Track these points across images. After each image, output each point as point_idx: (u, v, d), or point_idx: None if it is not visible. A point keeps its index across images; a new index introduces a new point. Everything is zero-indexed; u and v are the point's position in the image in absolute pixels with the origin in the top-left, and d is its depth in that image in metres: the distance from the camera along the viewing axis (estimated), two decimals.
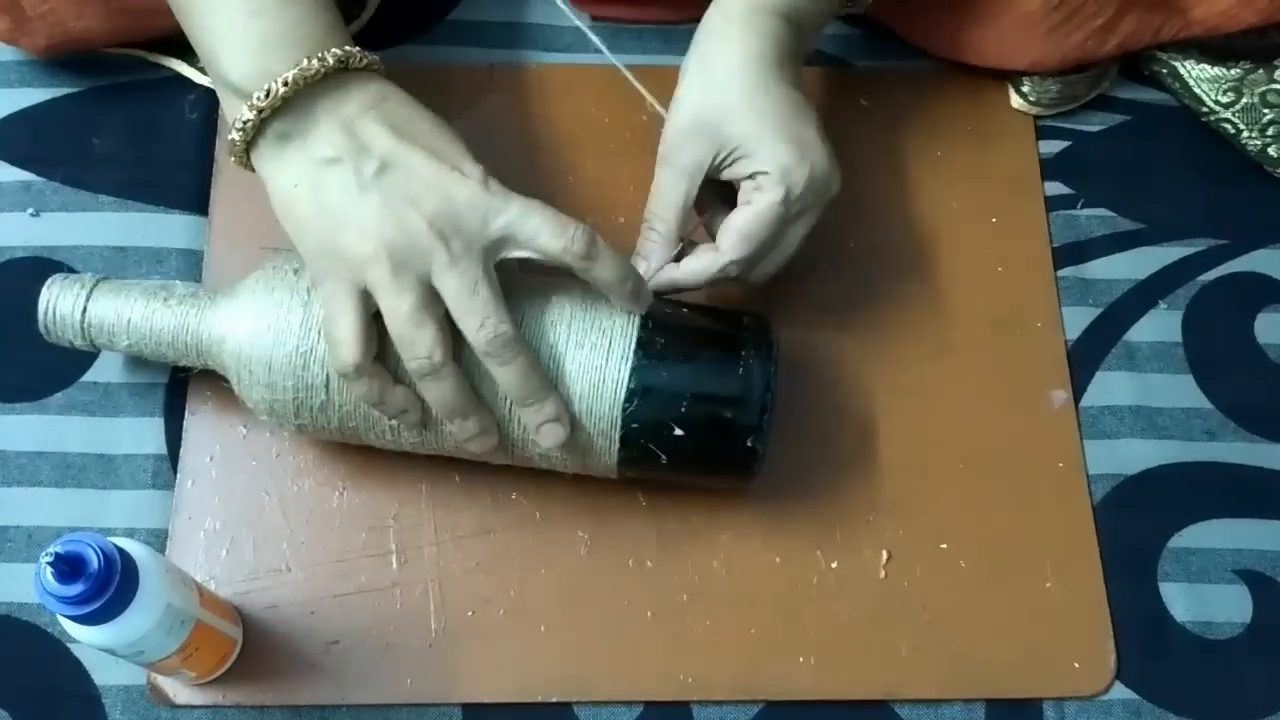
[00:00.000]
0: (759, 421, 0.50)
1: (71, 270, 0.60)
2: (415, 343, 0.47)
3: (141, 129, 0.64)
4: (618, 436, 0.50)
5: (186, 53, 0.65)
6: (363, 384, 0.48)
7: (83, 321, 0.53)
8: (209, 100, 0.65)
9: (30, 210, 0.62)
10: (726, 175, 0.54)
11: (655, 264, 0.54)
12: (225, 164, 0.63)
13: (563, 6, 0.59)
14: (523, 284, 0.51)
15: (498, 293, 0.47)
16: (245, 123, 0.47)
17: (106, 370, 0.59)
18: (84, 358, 0.59)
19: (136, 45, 0.65)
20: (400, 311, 0.46)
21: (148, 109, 0.64)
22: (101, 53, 0.64)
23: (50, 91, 0.65)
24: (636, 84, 0.57)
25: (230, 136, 0.48)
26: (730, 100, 0.52)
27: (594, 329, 0.50)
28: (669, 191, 0.53)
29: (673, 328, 0.51)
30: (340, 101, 0.48)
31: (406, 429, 0.51)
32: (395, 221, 0.46)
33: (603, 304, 0.51)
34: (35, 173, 0.63)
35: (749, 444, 0.50)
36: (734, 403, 0.50)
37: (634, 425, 0.50)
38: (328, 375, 0.50)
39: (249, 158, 0.49)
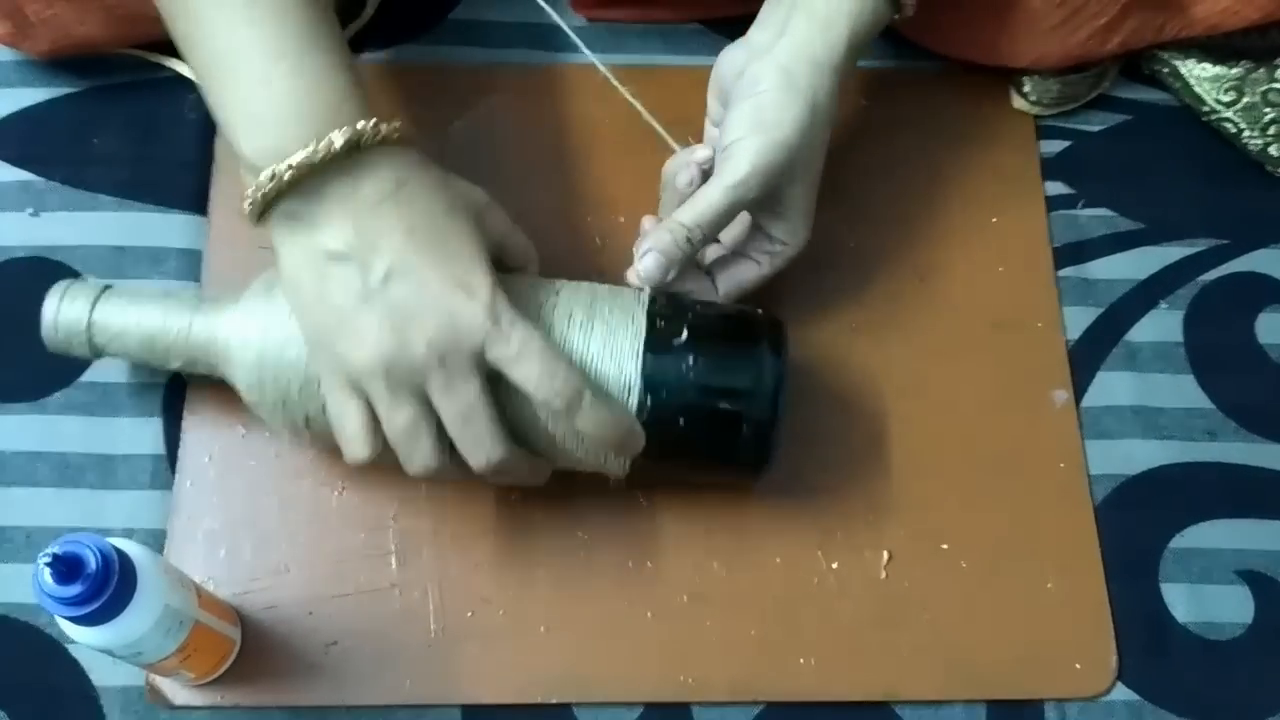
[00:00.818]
0: (771, 417, 0.50)
1: (71, 271, 0.60)
2: (413, 454, 0.47)
3: (141, 129, 0.64)
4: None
5: None
6: (372, 462, 0.48)
7: (88, 331, 0.53)
8: None
9: (29, 210, 0.62)
10: (753, 213, 0.55)
11: (675, 269, 0.53)
12: (225, 164, 0.63)
13: (544, 5, 0.59)
14: (532, 281, 0.51)
15: (491, 416, 0.47)
16: (252, 201, 0.46)
17: (105, 371, 0.59)
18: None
19: (137, 46, 0.65)
20: (396, 424, 0.47)
21: (147, 109, 0.64)
22: (101, 53, 0.64)
23: (50, 91, 0.65)
24: (623, 90, 0.57)
25: (242, 205, 0.47)
26: (796, 163, 0.53)
27: (604, 326, 0.50)
28: (723, 215, 0.52)
29: (685, 324, 0.51)
30: (353, 189, 0.46)
31: None
32: (395, 338, 0.45)
33: (613, 300, 0.51)
34: (35, 172, 0.63)
35: (761, 440, 0.50)
36: (747, 398, 0.50)
37: (645, 423, 0.49)
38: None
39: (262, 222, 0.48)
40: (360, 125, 0.45)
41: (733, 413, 0.50)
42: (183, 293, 0.54)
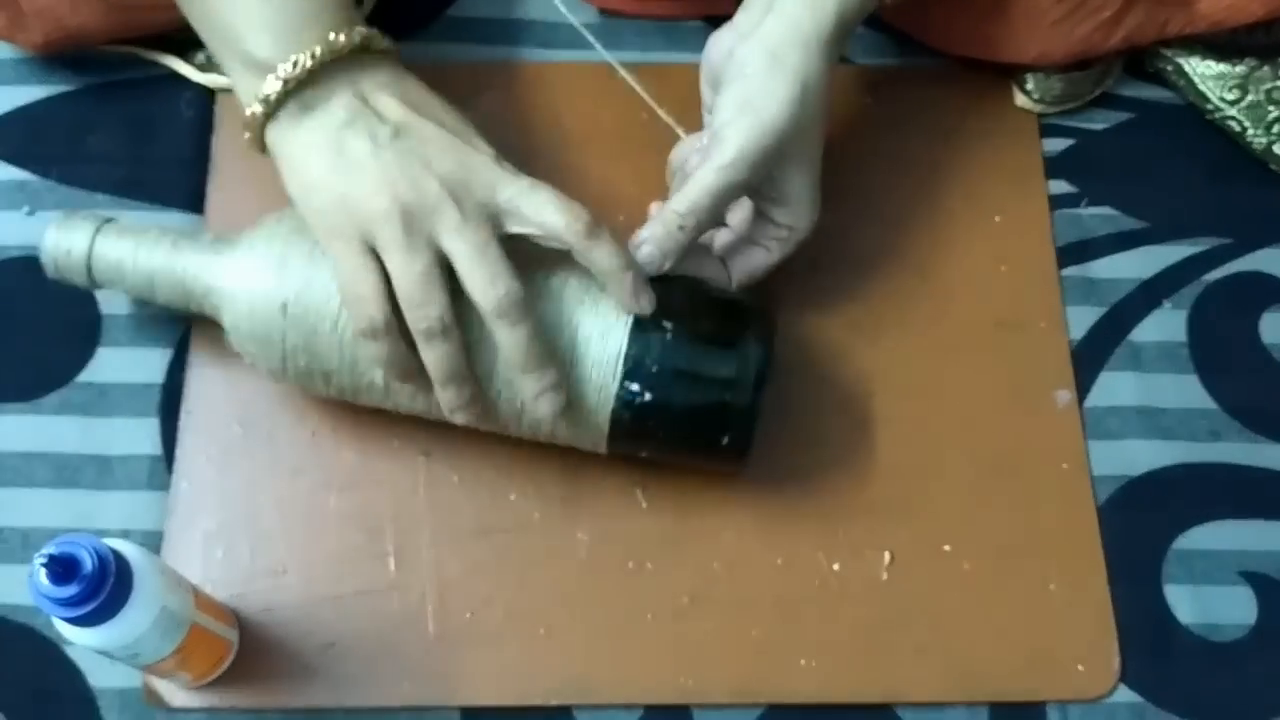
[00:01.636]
0: (752, 405, 0.50)
1: (68, 282, 0.60)
2: (426, 302, 0.47)
3: (137, 127, 0.64)
4: (609, 410, 0.50)
5: (183, 50, 0.64)
6: (384, 343, 0.48)
7: (88, 262, 0.53)
8: (205, 98, 0.64)
9: (26, 209, 0.62)
10: (755, 199, 0.55)
11: (672, 259, 0.52)
12: (221, 162, 0.63)
13: (558, 4, 0.59)
14: (522, 253, 0.51)
15: (504, 255, 0.48)
16: (269, 95, 0.48)
17: (102, 370, 0.59)
18: (79, 358, 0.59)
19: (133, 42, 0.64)
20: (413, 271, 0.47)
21: (143, 107, 0.64)
22: (97, 50, 0.64)
23: (45, 90, 0.65)
24: (635, 84, 0.57)
25: (251, 110, 0.49)
26: (790, 144, 0.52)
27: (594, 296, 0.50)
28: (716, 199, 0.52)
29: (674, 303, 0.51)
30: (358, 77, 0.49)
31: (405, 394, 0.51)
32: (408, 179, 0.47)
33: None
34: (30, 171, 0.63)
35: (742, 428, 0.50)
36: (729, 386, 0.50)
37: (627, 398, 0.49)
38: (314, 327, 0.50)
39: (262, 134, 0.49)
40: (371, 30, 0.49)
41: (715, 399, 0.50)
42: (182, 231, 0.54)
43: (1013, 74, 0.66)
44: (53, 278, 0.54)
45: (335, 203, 0.48)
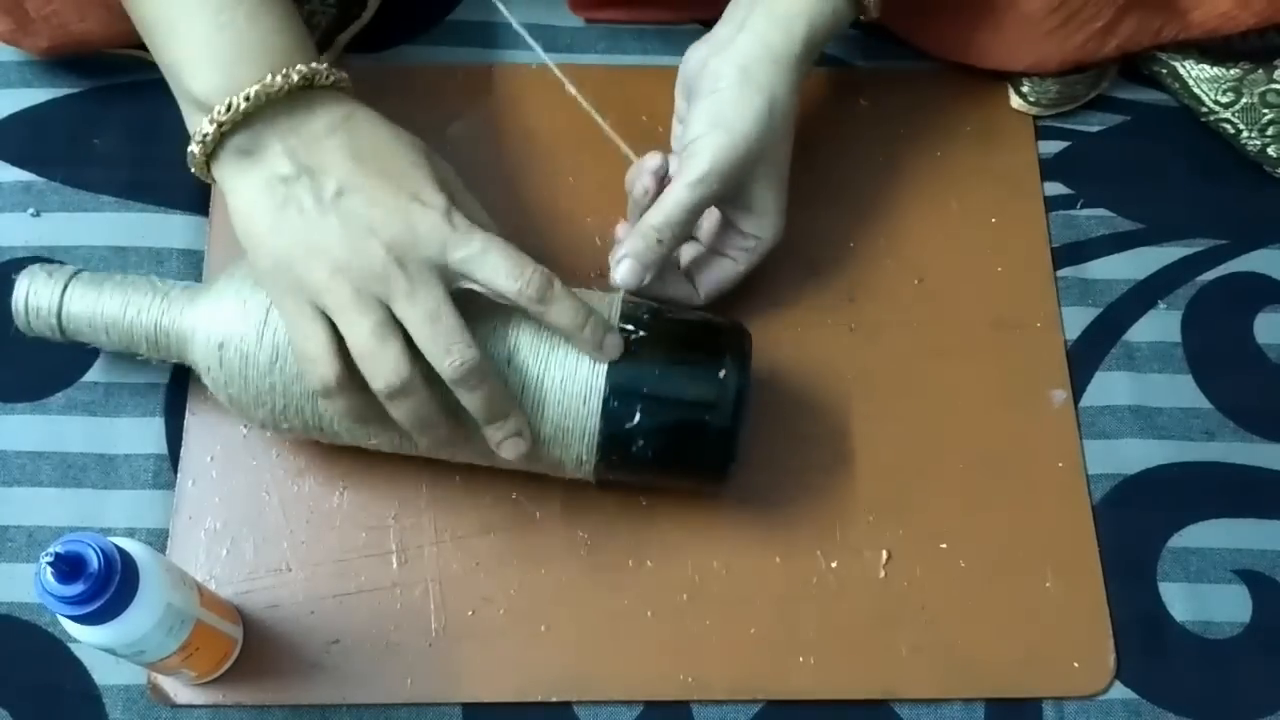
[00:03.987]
0: (732, 426, 0.50)
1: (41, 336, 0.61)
2: (380, 360, 0.46)
3: (142, 129, 0.64)
4: (594, 444, 0.50)
5: None
6: (342, 400, 0.47)
7: (58, 318, 0.53)
8: None
9: (31, 210, 0.62)
10: (724, 210, 0.56)
11: (652, 273, 0.54)
12: None
13: (499, 4, 0.60)
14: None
15: (459, 318, 0.46)
16: (205, 136, 0.47)
17: (107, 370, 0.59)
18: (84, 358, 0.59)
19: (137, 45, 0.65)
20: (362, 331, 0.46)
21: (148, 109, 0.64)
22: (101, 53, 0.64)
23: (51, 92, 0.65)
24: (579, 94, 0.58)
25: (190, 148, 0.48)
26: (759, 158, 0.53)
27: None
28: (691, 212, 0.53)
29: (648, 332, 0.51)
30: (303, 120, 0.47)
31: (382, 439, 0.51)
32: (353, 246, 0.46)
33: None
34: (36, 173, 0.63)
35: (723, 449, 0.51)
36: (708, 408, 0.50)
37: (609, 431, 0.49)
38: (295, 371, 0.49)
39: (209, 169, 0.49)
40: (314, 65, 0.47)
41: (695, 422, 0.50)
42: (150, 282, 0.54)
43: (1009, 77, 0.67)
44: (24, 331, 0.54)
45: (280, 264, 0.47)
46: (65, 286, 0.53)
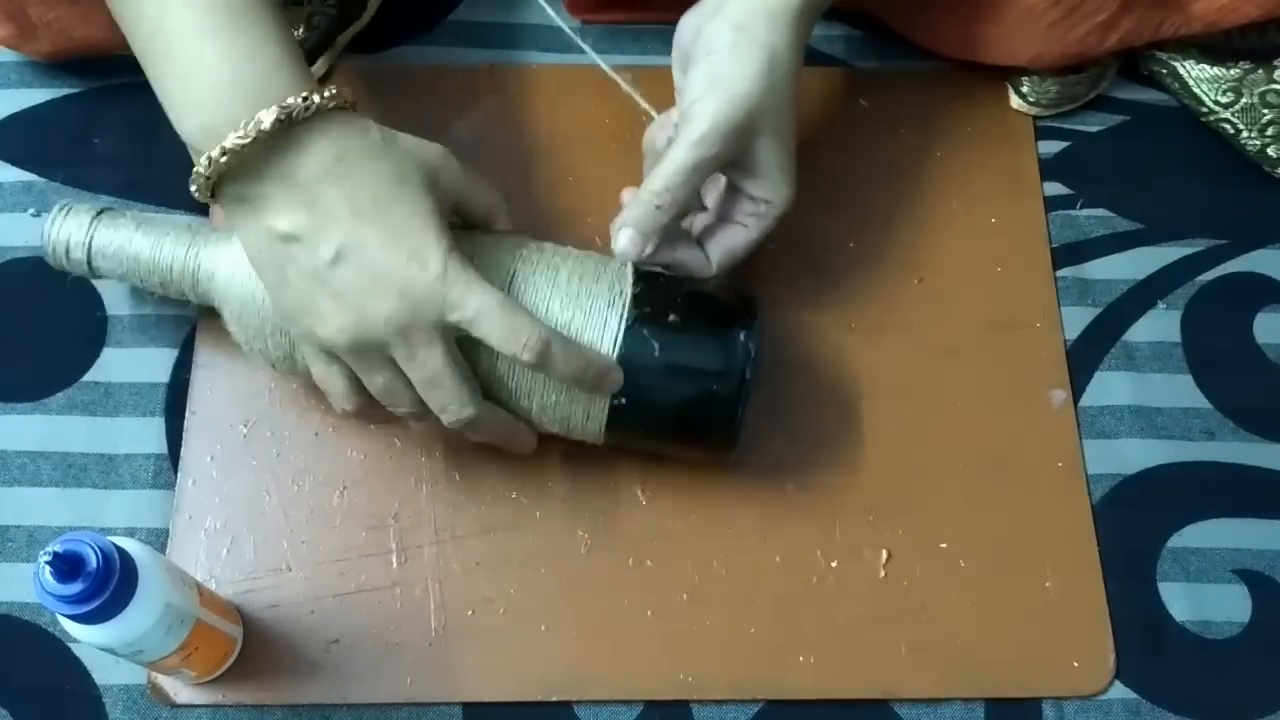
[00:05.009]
0: (739, 395, 0.51)
1: (69, 271, 0.61)
2: (398, 404, 0.49)
3: (142, 129, 0.64)
4: (604, 404, 0.51)
5: None
6: (366, 419, 0.52)
7: (87, 249, 0.54)
8: None
9: (31, 210, 0.62)
10: (730, 175, 0.55)
11: (653, 242, 0.53)
12: None
13: (545, 7, 0.59)
14: (516, 245, 0.52)
15: (458, 376, 0.48)
16: (197, 185, 0.46)
17: (107, 370, 0.59)
18: (86, 357, 0.59)
19: None
20: (376, 384, 0.49)
21: (148, 109, 0.62)
22: (103, 54, 0.64)
23: (51, 92, 0.65)
24: (630, 89, 0.57)
25: (192, 187, 0.47)
26: (761, 117, 0.52)
27: (585, 294, 0.51)
28: (690, 175, 0.52)
29: (661, 298, 0.51)
30: (295, 164, 0.45)
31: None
32: (353, 316, 0.46)
33: (590, 275, 0.51)
34: (36, 173, 0.63)
35: (729, 418, 0.51)
36: (716, 377, 0.51)
37: (620, 395, 0.50)
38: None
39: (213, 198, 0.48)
40: (290, 101, 0.44)
41: (702, 391, 0.51)
42: (181, 221, 0.54)
43: (1008, 77, 0.67)
44: (54, 266, 0.55)
45: (290, 316, 0.48)
46: (95, 219, 0.54)
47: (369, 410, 0.51)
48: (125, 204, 0.62)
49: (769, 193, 0.54)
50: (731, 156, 0.52)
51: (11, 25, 0.61)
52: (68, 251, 0.54)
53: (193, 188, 0.46)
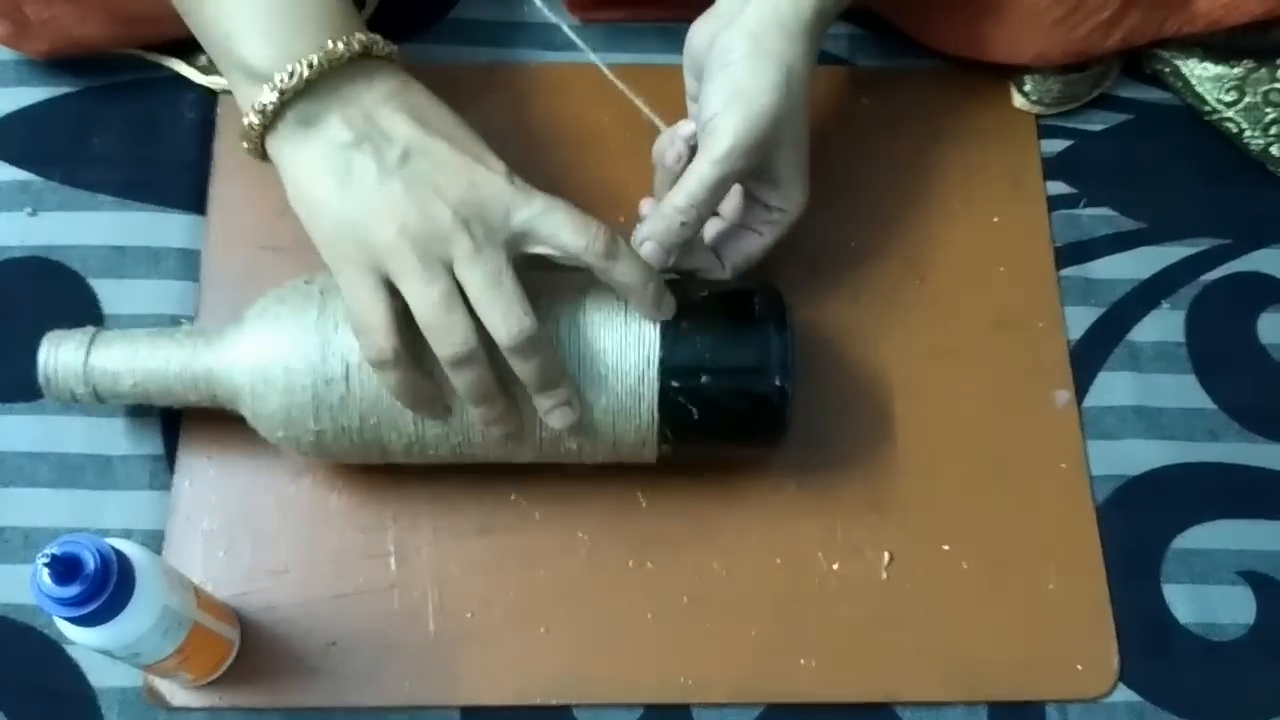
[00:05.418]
0: (782, 387, 0.51)
1: (70, 270, 0.60)
2: (450, 329, 0.46)
3: (140, 128, 0.64)
4: (655, 411, 0.50)
5: (186, 53, 0.65)
6: (396, 372, 0.47)
7: (85, 375, 0.52)
8: (207, 100, 0.65)
9: (28, 210, 0.62)
10: (748, 185, 0.55)
11: (674, 254, 0.53)
12: (223, 164, 0.63)
13: (541, 7, 0.59)
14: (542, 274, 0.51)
15: (520, 286, 0.47)
16: (265, 106, 0.46)
17: None
18: None
19: (137, 47, 0.65)
20: (430, 298, 0.46)
21: (146, 108, 0.64)
22: (100, 52, 0.64)
23: (48, 91, 0.65)
24: (625, 88, 0.57)
25: (248, 121, 0.47)
26: (780, 129, 0.52)
27: (617, 316, 0.50)
28: (714, 191, 0.52)
29: (693, 299, 0.51)
30: (363, 88, 0.48)
31: (432, 421, 0.50)
32: (419, 208, 0.46)
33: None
34: (33, 172, 0.63)
35: (777, 410, 0.51)
36: (757, 374, 0.51)
37: (668, 397, 0.50)
38: (347, 365, 0.49)
39: (263, 144, 0.48)
40: (371, 35, 0.48)
41: (746, 389, 0.51)
42: (174, 329, 0.54)
43: (1011, 76, 0.66)
44: (51, 395, 0.53)
45: (343, 231, 0.47)
46: (91, 340, 0.53)
47: (405, 360, 0.47)
48: (122, 203, 0.62)
49: (785, 201, 0.55)
50: (752, 169, 0.53)
51: (8, 23, 0.61)
52: (67, 381, 0.53)
53: (254, 117, 0.47)
